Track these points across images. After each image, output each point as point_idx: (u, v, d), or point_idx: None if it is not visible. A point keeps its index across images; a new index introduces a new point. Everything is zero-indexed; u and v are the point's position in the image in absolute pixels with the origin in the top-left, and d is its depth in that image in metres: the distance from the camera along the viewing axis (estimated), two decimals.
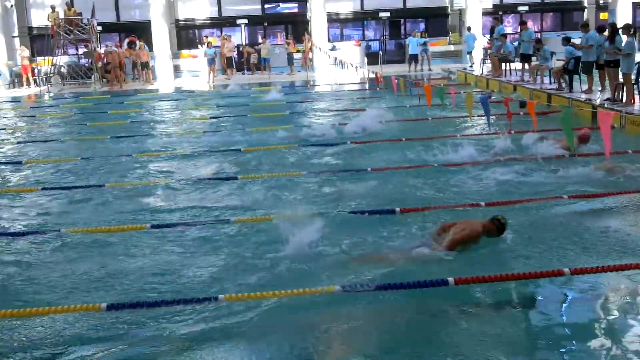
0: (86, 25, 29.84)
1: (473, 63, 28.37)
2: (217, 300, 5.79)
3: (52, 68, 30.27)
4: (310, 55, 31.34)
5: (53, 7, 29.99)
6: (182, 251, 7.44)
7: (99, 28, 31.76)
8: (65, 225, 8.51)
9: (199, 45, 31.93)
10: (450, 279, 5.88)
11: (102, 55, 30.27)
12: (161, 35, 30.38)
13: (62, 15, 29.85)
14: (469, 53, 29.41)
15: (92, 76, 30.02)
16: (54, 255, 7.47)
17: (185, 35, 35.11)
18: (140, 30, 32.26)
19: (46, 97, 26.89)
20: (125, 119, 19.08)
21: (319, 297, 5.87)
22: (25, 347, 5.32)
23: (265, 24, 36.14)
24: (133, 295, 6.20)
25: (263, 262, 6.94)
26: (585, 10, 36.62)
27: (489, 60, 25.00)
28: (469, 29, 29.75)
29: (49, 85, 29.00)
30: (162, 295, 6.13)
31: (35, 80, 30.01)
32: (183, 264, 7.04)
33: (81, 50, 31.61)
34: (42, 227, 8.54)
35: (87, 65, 30.90)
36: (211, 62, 29.68)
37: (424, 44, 30.74)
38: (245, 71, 32.15)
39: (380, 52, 32.71)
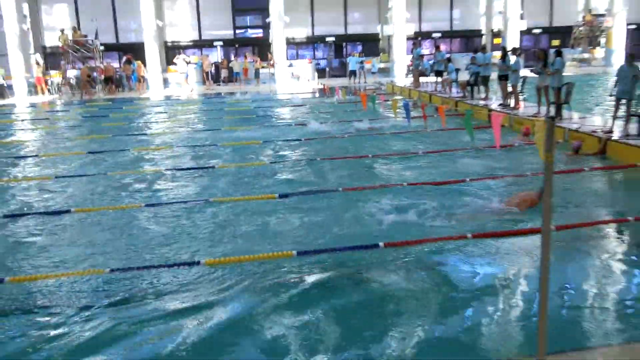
0: (91, 45, 29.13)
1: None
2: (199, 264, 5.75)
3: (63, 80, 29.44)
4: (271, 70, 31.12)
5: (62, 30, 29.24)
6: (172, 225, 7.36)
7: (102, 47, 30.99)
8: (75, 205, 8.33)
9: (175, 61, 31.21)
10: (381, 243, 5.96)
11: (103, 70, 29.54)
12: (152, 54, 29.85)
13: (70, 37, 29.09)
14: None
15: (96, 87, 29.29)
16: (67, 230, 7.31)
17: (172, 54, 34.51)
18: (136, 50, 31.62)
19: (57, 103, 26.15)
20: (124, 120, 18.69)
21: (279, 259, 5.90)
22: (45, 305, 5.20)
23: (237, 46, 35.79)
24: (132, 261, 6.11)
25: (237, 233, 6.92)
26: (483, 36, 37.17)
27: (411, 75, 25.19)
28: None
29: (60, 94, 28.20)
30: (155, 260, 6.07)
31: (49, 90, 29.18)
32: (172, 235, 6.96)
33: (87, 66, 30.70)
34: (55, 207, 8.34)
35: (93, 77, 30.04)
36: (187, 76, 29.35)
37: (361, 62, 30.83)
38: (221, 83, 31.75)
39: (327, 68, 32.70)
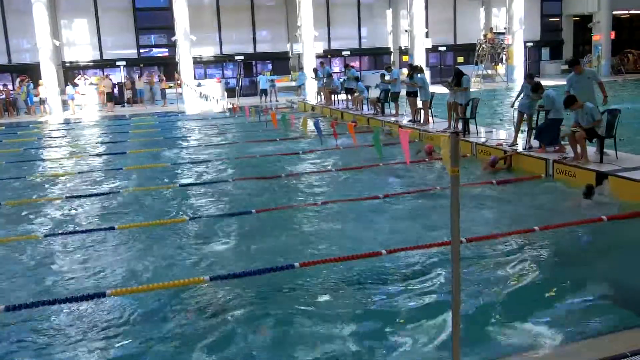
0: None
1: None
2: (104, 296, 5.51)
3: None
4: (179, 90, 30.58)
5: None
6: (72, 256, 7.03)
7: None
8: None
9: (73, 85, 29.86)
10: (296, 263, 5.96)
11: None
12: (49, 75, 28.58)
13: None
14: (300, 87, 30.19)
15: None
16: None
17: (72, 74, 33.16)
18: (31, 71, 30.13)
19: None
20: (19, 146, 17.72)
21: (190, 286, 5.77)
22: None
23: (141, 65, 34.98)
24: (30, 296, 5.76)
25: (145, 260, 6.70)
26: (392, 54, 38.41)
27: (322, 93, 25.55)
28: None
29: None
30: (57, 294, 5.76)
31: None
32: (75, 267, 6.65)
33: None
34: None
35: None
36: (71, 97, 28.36)
37: (272, 80, 30.98)
38: (125, 104, 30.84)
39: (237, 88, 32.61)
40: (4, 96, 28.65)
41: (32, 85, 28.64)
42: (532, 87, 11.08)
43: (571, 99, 9.68)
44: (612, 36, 37.36)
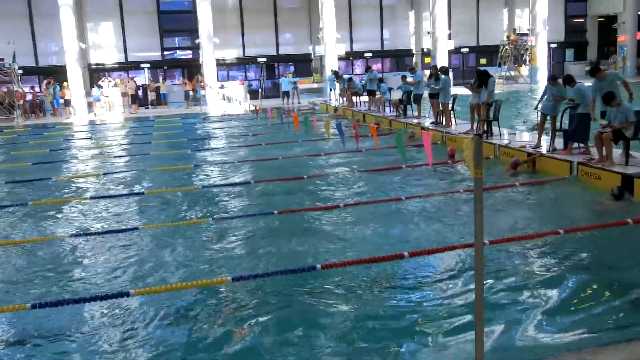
0: (7, 69, 27.93)
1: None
2: (128, 295, 5.56)
3: None
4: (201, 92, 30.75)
5: None
6: (97, 255, 7.11)
7: (20, 71, 29.82)
8: None
9: (98, 87, 30.31)
10: (318, 265, 5.96)
11: (22, 95, 28.34)
12: (75, 77, 29.01)
13: None
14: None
15: (15, 112, 28.00)
16: None
17: (97, 76, 33.61)
18: (57, 73, 30.61)
19: None
20: (45, 147, 17.99)
21: (213, 287, 5.80)
22: None
23: (165, 68, 35.32)
24: (56, 295, 5.85)
25: (169, 260, 6.75)
26: (414, 55, 38.23)
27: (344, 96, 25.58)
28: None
29: None
30: (82, 293, 5.83)
31: None
32: (99, 267, 6.72)
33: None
34: None
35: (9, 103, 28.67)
36: (97, 99, 28.95)
37: (294, 82, 31.06)
38: (149, 106, 31.18)
39: (259, 89, 32.76)
40: (30, 98, 29.14)
41: (58, 88, 29.07)
42: (564, 79, 10.95)
43: (610, 95, 9.53)
44: (638, 37, 36.76)
